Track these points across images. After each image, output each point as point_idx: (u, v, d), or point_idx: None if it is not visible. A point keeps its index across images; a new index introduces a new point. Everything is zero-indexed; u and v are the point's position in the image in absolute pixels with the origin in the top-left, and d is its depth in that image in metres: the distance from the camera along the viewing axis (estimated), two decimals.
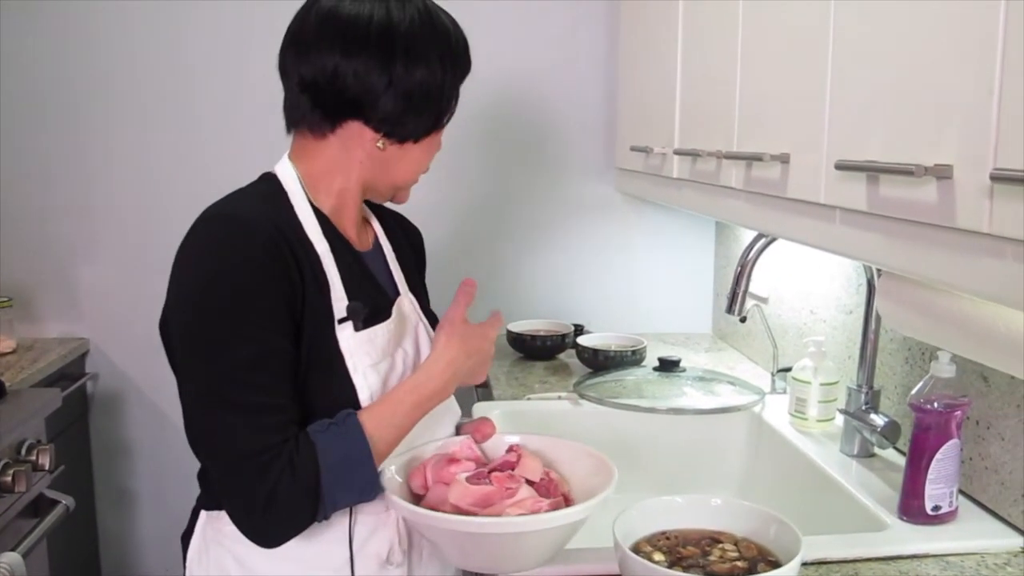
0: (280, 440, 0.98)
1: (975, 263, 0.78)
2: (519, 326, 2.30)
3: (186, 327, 1.01)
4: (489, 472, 1.09)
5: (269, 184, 1.14)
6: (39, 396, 1.98)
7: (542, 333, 2.29)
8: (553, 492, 1.08)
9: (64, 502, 1.93)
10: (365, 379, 1.08)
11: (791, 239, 1.24)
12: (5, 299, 2.34)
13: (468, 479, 1.07)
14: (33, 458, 1.83)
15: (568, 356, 2.26)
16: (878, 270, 1.45)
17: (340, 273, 1.10)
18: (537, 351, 2.27)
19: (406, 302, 1.23)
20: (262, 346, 0.99)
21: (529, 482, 1.08)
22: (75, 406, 2.37)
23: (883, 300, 1.22)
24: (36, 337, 2.42)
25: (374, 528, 1.12)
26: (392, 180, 1.17)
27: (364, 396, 1.07)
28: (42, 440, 1.92)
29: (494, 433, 1.20)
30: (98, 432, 2.51)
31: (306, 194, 1.13)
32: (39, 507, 1.89)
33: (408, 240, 1.35)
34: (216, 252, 1.01)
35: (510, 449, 1.17)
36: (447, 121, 1.17)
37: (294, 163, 1.15)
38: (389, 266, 1.26)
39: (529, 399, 1.90)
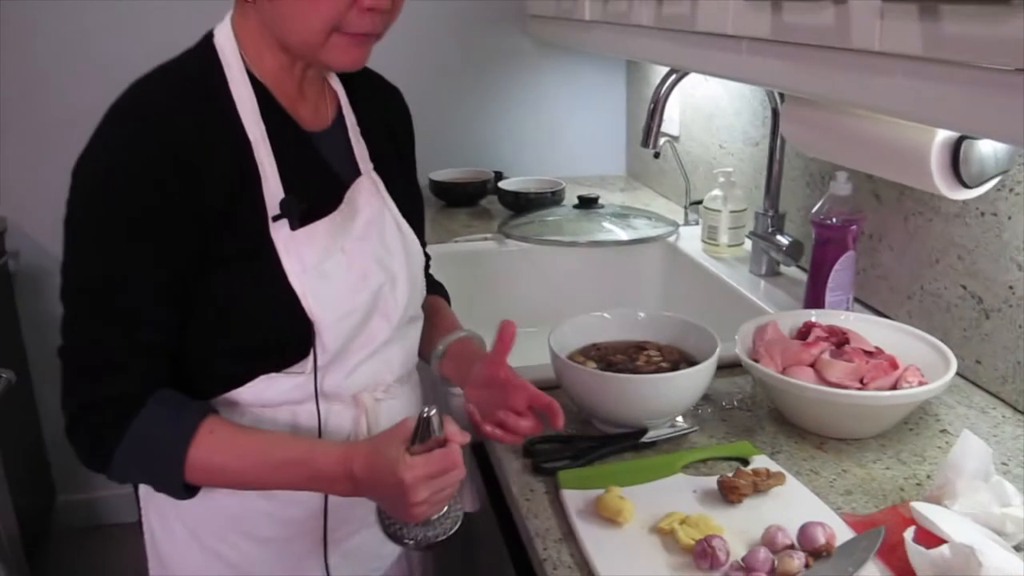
0: (117, 366, 0.94)
1: (869, 81, 0.86)
2: (441, 175, 2.35)
3: (65, 224, 0.94)
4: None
5: (203, 54, 0.99)
6: None
7: (463, 180, 2.35)
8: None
9: (5, 375, 1.96)
10: (306, 283, 0.97)
11: (702, 71, 1.31)
12: None
13: (832, 355, 1.13)
14: None
15: (489, 202, 2.33)
16: (781, 97, 1.54)
17: (279, 162, 0.97)
18: (459, 197, 2.32)
19: (366, 183, 1.08)
20: (127, 271, 0.92)
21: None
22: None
23: (787, 124, 1.31)
24: None
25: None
26: (287, 38, 0.96)
27: (308, 303, 0.97)
28: None
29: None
30: (26, 309, 2.49)
31: (245, 65, 0.98)
32: None
33: (385, 106, 1.20)
34: (112, 162, 0.90)
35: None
36: None
37: (234, 26, 0.99)
38: (352, 144, 1.10)
39: (456, 241, 1.97)
